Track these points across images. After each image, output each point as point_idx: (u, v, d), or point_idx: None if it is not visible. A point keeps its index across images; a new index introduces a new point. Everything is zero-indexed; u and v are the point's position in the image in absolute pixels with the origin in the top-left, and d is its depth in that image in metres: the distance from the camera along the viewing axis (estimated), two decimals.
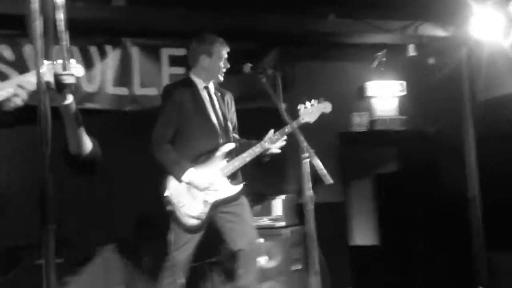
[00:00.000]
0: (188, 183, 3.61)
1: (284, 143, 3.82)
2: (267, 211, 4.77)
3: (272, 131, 3.80)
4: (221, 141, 3.78)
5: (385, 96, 6.20)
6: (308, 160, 3.66)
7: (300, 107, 3.89)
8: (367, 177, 6.37)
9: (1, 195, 4.81)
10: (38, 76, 1.45)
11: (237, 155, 3.75)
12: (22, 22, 4.77)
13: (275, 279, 4.60)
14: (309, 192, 3.68)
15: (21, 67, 4.78)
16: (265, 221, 4.74)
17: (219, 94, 3.91)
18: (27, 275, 4.32)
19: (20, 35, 4.85)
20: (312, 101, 3.92)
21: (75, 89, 4.86)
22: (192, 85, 3.85)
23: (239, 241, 3.66)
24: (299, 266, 4.72)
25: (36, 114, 4.80)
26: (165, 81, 5.26)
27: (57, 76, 1.42)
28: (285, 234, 4.69)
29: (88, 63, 4.95)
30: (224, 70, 3.83)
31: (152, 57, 5.29)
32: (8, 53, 4.77)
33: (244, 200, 3.75)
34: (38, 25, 1.53)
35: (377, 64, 6.04)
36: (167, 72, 5.31)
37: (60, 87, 1.42)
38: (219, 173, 3.69)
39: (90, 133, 4.81)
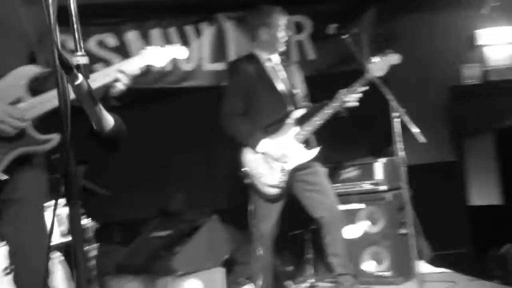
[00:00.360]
0: (263, 153, 3.62)
1: (355, 99, 3.69)
2: (368, 175, 4.64)
3: (340, 91, 3.71)
4: (290, 108, 3.74)
5: (498, 43, 5.69)
6: (399, 119, 3.53)
7: (367, 62, 3.71)
8: (484, 133, 5.92)
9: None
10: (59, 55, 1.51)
11: (309, 120, 3.69)
12: (123, 10, 5.14)
13: (379, 244, 4.50)
14: (401, 153, 3.56)
15: (124, 52, 5.12)
16: (366, 185, 4.63)
17: (285, 64, 3.87)
18: (144, 246, 4.64)
19: (122, 22, 5.18)
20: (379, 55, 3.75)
21: (174, 69, 5.13)
22: (255, 59, 3.85)
23: (319, 209, 3.62)
24: (405, 230, 4.57)
25: (141, 96, 5.06)
26: None
27: (62, 57, 1.46)
28: (388, 198, 4.55)
29: (184, 43, 5.13)
30: (284, 39, 3.76)
31: (246, 29, 5.34)
32: (111, 40, 5.10)
33: (319, 168, 3.69)
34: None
35: (488, 9, 5.54)
36: None
37: (68, 68, 1.46)
38: (293, 140, 3.67)
39: (190, 111, 4.96)
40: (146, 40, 5.14)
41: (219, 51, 5.27)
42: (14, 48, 2.20)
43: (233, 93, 3.76)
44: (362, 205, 4.58)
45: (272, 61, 3.83)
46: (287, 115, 3.70)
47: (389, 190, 4.60)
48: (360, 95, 3.68)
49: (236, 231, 4.71)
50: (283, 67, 3.81)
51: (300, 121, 3.71)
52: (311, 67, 5.24)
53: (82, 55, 1.55)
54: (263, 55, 3.83)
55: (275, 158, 3.58)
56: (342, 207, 4.00)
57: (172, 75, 5.08)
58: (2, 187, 2.09)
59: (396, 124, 3.59)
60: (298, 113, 3.70)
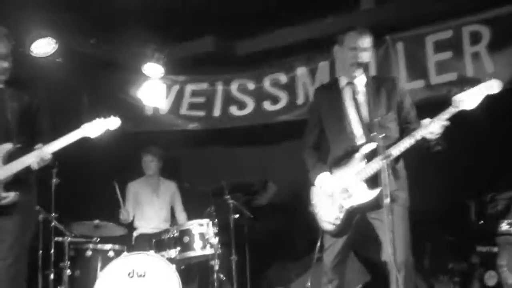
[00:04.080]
0: (320, 188, 3.45)
1: (439, 128, 3.10)
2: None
3: (422, 121, 3.18)
4: (360, 141, 3.37)
5: None
6: None
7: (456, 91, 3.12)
8: None
9: None
10: None
11: (377, 155, 3.16)
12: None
13: None
14: None
15: (293, 89, 5.45)
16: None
17: (375, 86, 3.34)
18: None
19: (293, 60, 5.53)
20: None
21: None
22: (334, 85, 3.57)
23: (384, 252, 3.22)
24: None
25: None
26: (432, 71, 4.99)
27: None
28: None
29: None
30: (358, 61, 3.29)
31: (417, 47, 5.09)
32: (282, 78, 5.47)
33: (396, 207, 3.17)
34: None
35: None
36: (433, 61, 5.01)
37: None
38: (355, 177, 3.32)
39: None
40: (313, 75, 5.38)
41: (387, 72, 5.15)
42: None
43: (308, 124, 3.66)
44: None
45: (354, 86, 3.47)
46: (355, 148, 3.37)
47: None
48: (442, 128, 3.11)
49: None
50: (368, 91, 3.30)
51: (372, 156, 3.27)
52: None
53: None
54: (342, 80, 3.54)
55: (332, 194, 3.38)
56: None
57: None
58: None
59: None
60: (369, 147, 3.30)
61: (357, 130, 3.40)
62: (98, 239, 4.94)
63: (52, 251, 4.75)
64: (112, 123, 3.19)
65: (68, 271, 4.67)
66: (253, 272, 5.55)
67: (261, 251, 5.57)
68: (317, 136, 3.59)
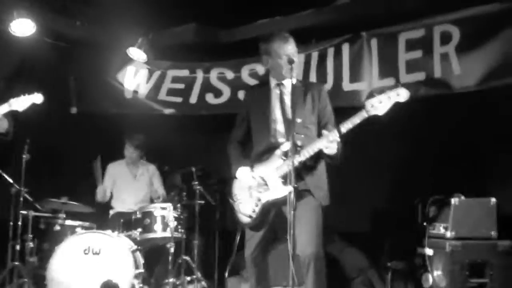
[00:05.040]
0: (238, 179, 3.54)
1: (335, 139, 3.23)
2: None
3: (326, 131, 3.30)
4: (282, 139, 3.47)
5: None
6: None
7: (369, 97, 3.16)
8: None
9: None
10: None
11: (294, 154, 3.26)
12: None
13: None
14: None
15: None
16: None
17: (302, 90, 3.51)
18: None
19: None
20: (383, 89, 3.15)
21: None
22: (266, 85, 3.68)
23: (296, 247, 3.26)
24: None
25: None
26: (402, 69, 4.98)
27: None
28: None
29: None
30: (291, 66, 3.37)
31: (390, 45, 5.07)
32: (259, 68, 5.58)
33: (304, 203, 3.26)
34: None
35: None
36: (404, 59, 4.98)
37: None
38: (274, 173, 3.42)
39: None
40: None
41: (359, 70, 5.15)
42: None
43: (238, 119, 3.75)
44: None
45: (284, 87, 3.59)
46: (275, 145, 3.47)
47: None
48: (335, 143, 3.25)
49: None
50: (296, 94, 3.41)
51: (289, 154, 3.32)
52: (457, 83, 4.65)
53: None
54: (273, 81, 3.65)
55: (251, 187, 3.47)
56: None
57: None
58: None
59: None
60: (288, 145, 3.35)
61: (280, 128, 3.52)
62: (64, 216, 5.12)
63: (20, 223, 4.96)
64: (36, 98, 3.47)
65: (31, 244, 4.87)
66: (220, 258, 5.66)
67: (230, 238, 5.69)
68: (243, 131, 3.71)
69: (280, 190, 3.35)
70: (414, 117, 4.61)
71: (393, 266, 4.29)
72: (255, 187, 3.45)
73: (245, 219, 3.49)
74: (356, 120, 3.20)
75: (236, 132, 3.72)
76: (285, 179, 3.30)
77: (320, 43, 5.36)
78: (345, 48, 5.24)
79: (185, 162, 5.83)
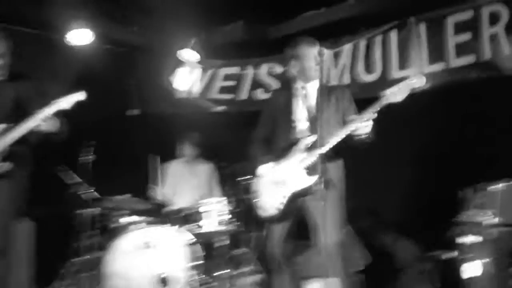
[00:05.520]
0: (261, 176, 3.65)
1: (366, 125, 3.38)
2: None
3: (351, 117, 3.49)
4: (303, 135, 3.58)
5: None
6: None
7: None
8: None
9: None
10: None
11: (316, 147, 3.42)
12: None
13: None
14: None
15: None
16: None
17: (327, 91, 3.64)
18: None
19: None
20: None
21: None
22: (291, 86, 3.79)
23: (316, 237, 3.42)
24: None
25: None
26: (452, 53, 4.87)
27: None
28: None
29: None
30: (314, 68, 3.57)
31: (439, 29, 4.97)
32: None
33: (326, 193, 3.26)
34: None
35: None
36: (453, 42, 4.87)
37: None
38: (297, 166, 3.53)
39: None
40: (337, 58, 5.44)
41: (408, 56, 5.08)
42: None
43: (261, 120, 3.87)
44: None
45: (307, 89, 3.72)
46: (295, 142, 3.62)
47: None
48: (370, 122, 3.37)
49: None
50: (318, 95, 3.55)
51: (312, 147, 3.50)
52: (507, 64, 4.51)
53: None
54: (299, 83, 3.77)
55: (274, 181, 3.58)
56: None
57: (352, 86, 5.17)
58: None
59: None
60: (309, 139, 3.54)
61: (304, 126, 3.66)
62: (128, 211, 5.37)
63: (85, 220, 5.26)
64: (80, 95, 3.71)
65: (95, 240, 5.17)
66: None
67: None
68: (267, 130, 3.83)
69: (305, 181, 3.47)
70: (455, 104, 4.57)
71: (436, 256, 4.25)
72: (281, 180, 3.57)
73: (271, 212, 3.59)
74: (376, 107, 3.35)
75: (259, 131, 3.86)
76: (309, 170, 3.46)
77: (367, 31, 5.34)
78: (393, 35, 5.19)
79: (239, 157, 6.00)
